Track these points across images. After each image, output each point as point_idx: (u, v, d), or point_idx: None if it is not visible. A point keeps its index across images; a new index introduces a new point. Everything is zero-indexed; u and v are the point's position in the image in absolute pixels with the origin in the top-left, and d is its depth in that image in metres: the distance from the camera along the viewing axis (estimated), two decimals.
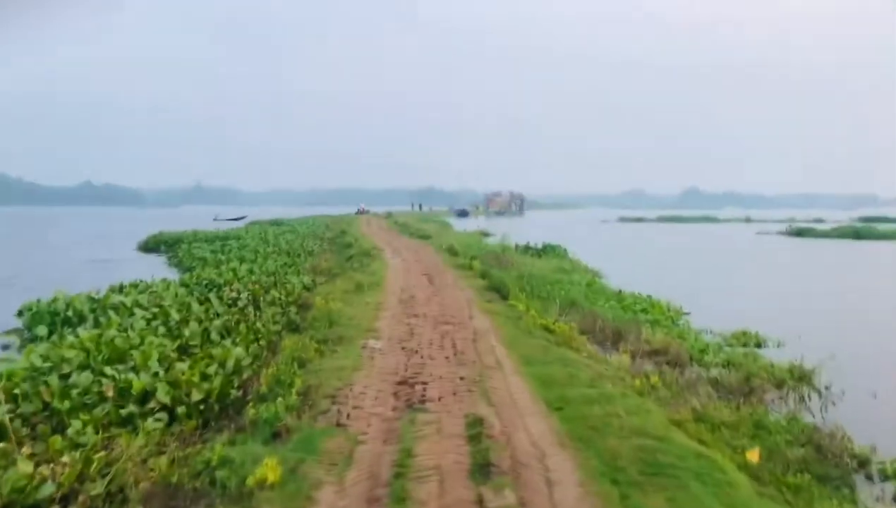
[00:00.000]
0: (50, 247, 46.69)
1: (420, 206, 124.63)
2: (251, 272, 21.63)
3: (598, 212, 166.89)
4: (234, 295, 16.41)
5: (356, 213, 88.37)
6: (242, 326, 13.18)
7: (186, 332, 12.17)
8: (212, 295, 16.30)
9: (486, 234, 55.91)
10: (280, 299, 16.87)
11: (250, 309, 15.42)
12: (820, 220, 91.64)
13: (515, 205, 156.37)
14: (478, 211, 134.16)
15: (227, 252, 31.19)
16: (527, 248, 34.77)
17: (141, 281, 18.55)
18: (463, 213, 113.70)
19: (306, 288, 20.32)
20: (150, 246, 42.43)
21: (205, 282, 19.12)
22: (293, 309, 16.04)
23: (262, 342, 12.47)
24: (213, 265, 27.18)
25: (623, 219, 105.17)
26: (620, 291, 21.17)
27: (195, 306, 14.37)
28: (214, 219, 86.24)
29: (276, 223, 65.04)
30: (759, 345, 14.83)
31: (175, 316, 13.52)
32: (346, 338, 11.04)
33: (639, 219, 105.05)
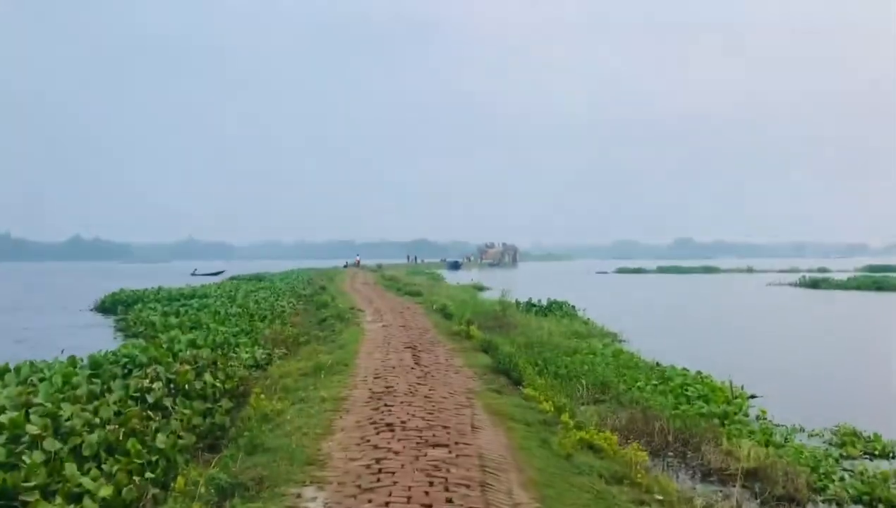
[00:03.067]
0: None
1: (416, 259, 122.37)
2: (193, 344, 17.16)
3: (591, 263, 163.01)
4: (146, 383, 11.93)
5: (344, 266, 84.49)
6: (131, 443, 8.75)
7: (27, 460, 7.75)
8: (115, 385, 11.83)
9: (480, 288, 51.73)
10: (213, 387, 12.47)
11: (166, 402, 11.02)
12: (825, 270, 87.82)
13: (509, 256, 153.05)
14: (470, 263, 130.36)
15: (181, 314, 26.73)
16: (530, 306, 30.46)
17: (29, 362, 14.02)
18: (455, 265, 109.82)
19: (258, 365, 15.93)
20: (107, 306, 37.91)
21: (124, 361, 14.63)
22: (225, 403, 11.61)
23: (152, 473, 8.13)
24: (161, 330, 22.84)
25: (622, 270, 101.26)
26: (658, 364, 16.81)
27: (69, 409, 9.86)
28: (192, 274, 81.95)
29: (257, 278, 60.98)
30: (884, 452, 10.45)
31: (34, 427, 9.07)
32: (269, 481, 6.63)
33: (638, 270, 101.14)
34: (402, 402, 9.85)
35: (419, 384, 11.36)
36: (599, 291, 53.88)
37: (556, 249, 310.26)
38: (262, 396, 10.68)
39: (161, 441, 9.08)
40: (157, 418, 10.16)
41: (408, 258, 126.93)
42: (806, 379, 17.34)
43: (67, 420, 9.43)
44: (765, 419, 12.25)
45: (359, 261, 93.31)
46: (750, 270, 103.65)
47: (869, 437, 10.86)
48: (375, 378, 11.89)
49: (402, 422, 8.67)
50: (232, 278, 64.22)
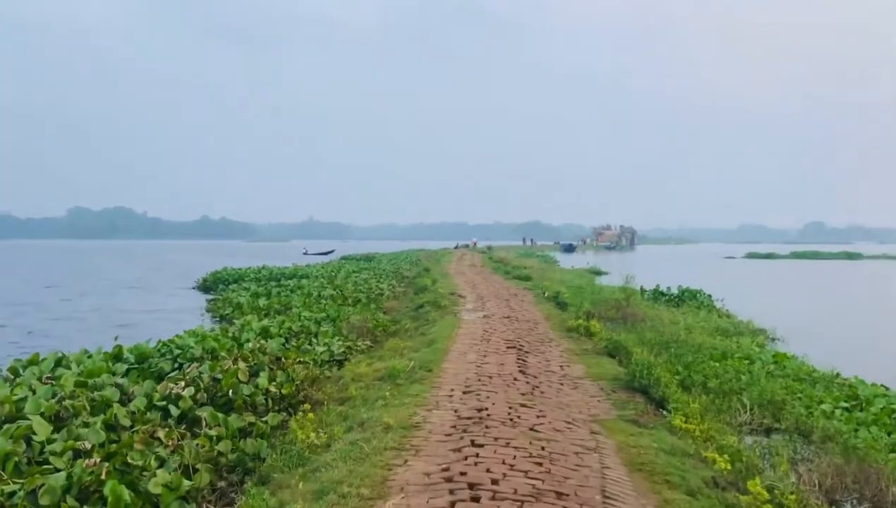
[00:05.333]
0: (103, 283, 42.25)
1: (532, 241, 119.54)
2: (265, 332, 14.79)
3: (714, 247, 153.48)
4: (178, 387, 9.44)
5: (455, 247, 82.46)
6: (111, 487, 6.15)
7: None
8: (142, 388, 9.42)
9: (597, 272, 47.81)
10: (267, 393, 9.90)
11: (200, 414, 8.49)
12: None
13: (626, 239, 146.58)
14: (585, 245, 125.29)
15: (272, 296, 24.75)
16: (658, 294, 26.56)
17: (59, 353, 11.89)
18: (569, 248, 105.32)
19: (334, 359, 13.31)
20: (209, 284, 36.93)
21: (176, 353, 12.33)
22: (272, 419, 8.92)
23: None
24: (248, 312, 20.86)
25: (751, 255, 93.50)
26: (838, 376, 12.92)
27: (43, 430, 7.37)
28: (304, 253, 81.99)
29: (367, 258, 59.58)
30: None
31: None
32: None
33: (770, 256, 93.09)
34: (497, 439, 6.77)
35: (524, 405, 8.25)
36: (732, 278, 48.67)
37: (677, 232, 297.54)
38: (311, 417, 7.90)
39: (156, 484, 6.45)
40: (173, 440, 7.58)
41: (523, 240, 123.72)
42: None
43: (41, 445, 7.01)
44: None
45: (475, 243, 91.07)
46: None
47: None
48: (465, 392, 8.87)
49: (494, 481, 5.61)
50: (342, 258, 63.24)
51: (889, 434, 9.15)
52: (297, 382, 10.68)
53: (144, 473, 6.70)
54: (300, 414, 8.16)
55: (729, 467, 6.36)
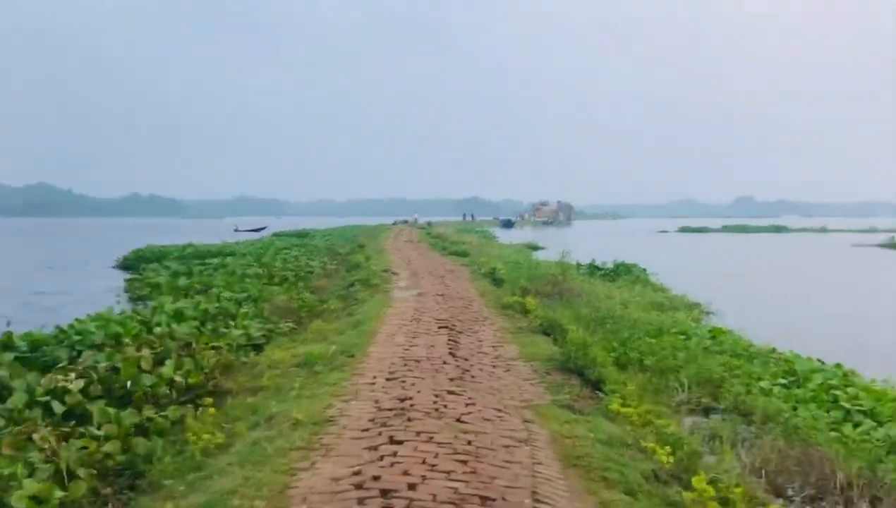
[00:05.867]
0: (14, 263, 39.91)
1: (473, 216, 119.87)
2: (179, 314, 13.74)
3: (648, 222, 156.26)
4: (67, 378, 8.43)
5: (393, 223, 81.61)
6: None
7: None
8: (23, 382, 8.39)
9: (534, 247, 47.64)
10: (172, 384, 8.98)
11: (91, 410, 7.54)
12: None
13: (563, 214, 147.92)
14: (524, 221, 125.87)
15: (193, 275, 23.49)
16: (594, 269, 26.34)
17: None
18: (508, 224, 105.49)
19: (252, 344, 12.39)
20: (130, 263, 35.14)
21: (75, 339, 11.23)
22: (172, 412, 7.99)
23: None
24: (166, 292, 19.67)
25: (684, 229, 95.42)
26: (774, 351, 12.69)
27: None
28: (235, 231, 79.76)
29: (301, 235, 58.17)
30: None
31: None
32: None
33: (702, 229, 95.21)
34: (419, 434, 6.08)
35: (452, 392, 7.58)
36: (665, 252, 49.17)
37: (612, 208, 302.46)
38: (212, 412, 7.08)
39: (20, 497, 5.54)
40: (50, 442, 6.65)
41: (464, 216, 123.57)
42: None
43: None
44: None
45: (417, 219, 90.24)
46: (823, 230, 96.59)
47: None
48: (389, 380, 8.15)
49: (411, 486, 4.91)
50: (275, 235, 61.56)
51: (828, 412, 8.83)
52: (207, 370, 9.79)
53: (12, 483, 5.79)
54: (201, 408, 7.32)
55: (671, 460, 5.81)
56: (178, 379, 9.19)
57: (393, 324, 11.82)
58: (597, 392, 8.41)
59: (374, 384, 7.98)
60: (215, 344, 11.40)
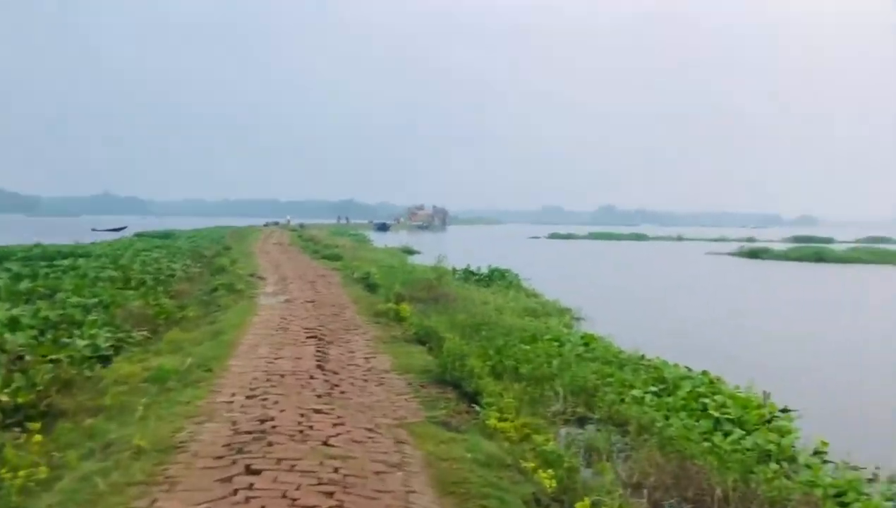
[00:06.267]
0: None
1: (347, 219, 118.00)
2: (14, 323, 12.24)
3: (520, 228, 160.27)
4: None
5: (265, 225, 79.21)
6: None
7: None
8: None
9: (410, 252, 47.47)
10: None
11: None
12: (752, 239, 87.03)
13: (438, 219, 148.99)
14: (399, 225, 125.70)
15: (38, 278, 21.37)
16: (468, 274, 26.29)
17: None
18: (383, 227, 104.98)
19: (99, 355, 11.15)
20: None
21: None
22: None
23: None
24: (5, 298, 17.67)
25: (554, 236, 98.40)
26: (643, 357, 12.88)
27: None
28: (93, 230, 74.66)
29: (165, 236, 55.08)
30: None
31: None
32: None
33: (570, 236, 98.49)
34: (280, 462, 5.44)
35: (319, 411, 6.97)
36: (536, 257, 50.27)
37: (486, 213, 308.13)
38: (37, 440, 6.14)
39: None
40: None
41: (338, 218, 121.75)
42: (823, 376, 13.74)
43: None
44: (822, 453, 8.42)
45: (290, 221, 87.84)
46: (679, 238, 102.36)
47: None
48: (249, 397, 7.42)
49: None
50: (137, 235, 58.00)
51: (699, 421, 8.92)
52: (40, 387, 8.63)
53: None
54: (26, 434, 6.34)
55: (552, 484, 5.49)
56: (4, 398, 8.03)
57: (257, 334, 11.02)
58: (473, 405, 8.05)
59: (232, 402, 7.24)
60: (55, 356, 10.17)
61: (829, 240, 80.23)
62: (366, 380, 8.50)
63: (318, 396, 7.56)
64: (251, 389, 7.71)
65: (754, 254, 56.86)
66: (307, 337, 10.85)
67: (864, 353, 16.61)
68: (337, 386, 8.10)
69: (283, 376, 8.35)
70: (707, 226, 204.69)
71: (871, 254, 53.18)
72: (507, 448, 6.43)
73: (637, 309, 23.46)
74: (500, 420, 7.45)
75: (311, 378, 8.38)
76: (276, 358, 9.32)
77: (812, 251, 54.83)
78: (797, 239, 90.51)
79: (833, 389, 12.96)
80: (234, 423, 6.49)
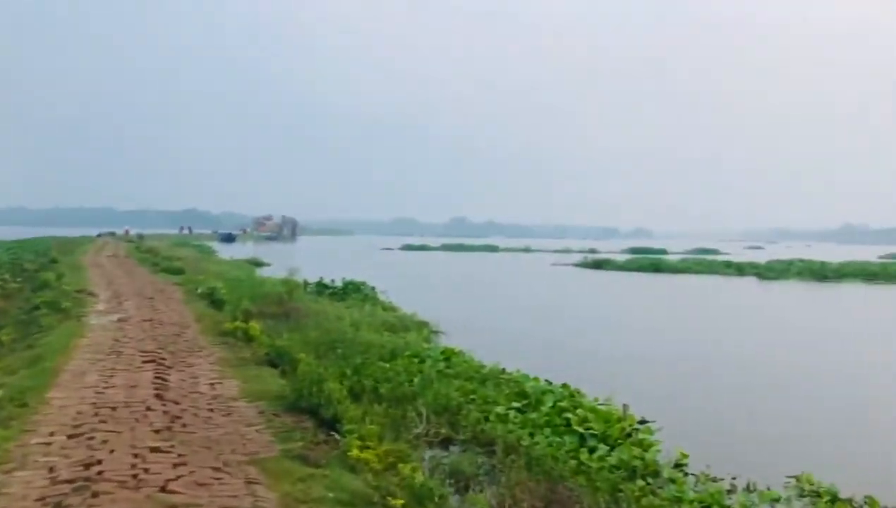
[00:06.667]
0: None
1: (190, 230, 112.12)
2: None
3: (372, 239, 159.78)
4: None
5: (98, 236, 73.71)
6: None
7: None
8: None
9: (258, 263, 45.75)
10: None
11: None
12: (594, 251, 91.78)
13: (288, 229, 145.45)
14: (246, 235, 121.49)
15: None
16: (322, 287, 25.42)
17: None
18: (229, 238, 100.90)
19: None
20: None
21: None
22: None
23: None
24: None
25: (407, 247, 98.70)
26: (504, 371, 12.74)
27: None
28: None
29: None
30: None
31: None
32: None
33: (423, 247, 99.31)
34: None
35: (157, 449, 6.11)
36: (391, 269, 49.97)
37: (336, 224, 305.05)
38: None
39: None
40: None
41: (181, 229, 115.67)
42: (677, 389, 14.19)
43: None
44: (683, 465, 8.53)
45: (128, 232, 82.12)
46: (528, 249, 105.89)
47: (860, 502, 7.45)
48: (72, 436, 6.42)
49: None
50: None
51: (563, 437, 8.78)
52: None
53: None
54: None
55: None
56: None
57: (84, 359, 9.78)
58: (333, 433, 7.43)
59: (50, 444, 6.22)
60: None
61: (664, 252, 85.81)
62: (211, 410, 7.65)
63: (156, 431, 6.67)
64: (75, 426, 6.68)
65: (598, 265, 59.68)
66: (144, 362, 9.76)
67: (704, 359, 17.46)
68: (178, 418, 7.22)
69: (114, 408, 7.35)
70: (552, 239, 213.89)
71: (700, 264, 57.28)
72: (371, 482, 5.89)
73: (494, 320, 23.60)
74: (363, 448, 6.90)
75: (148, 409, 7.43)
76: (106, 387, 8.24)
77: (649, 262, 58.29)
78: (634, 250, 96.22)
79: (680, 395, 13.44)
80: (51, 470, 5.52)
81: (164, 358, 10.05)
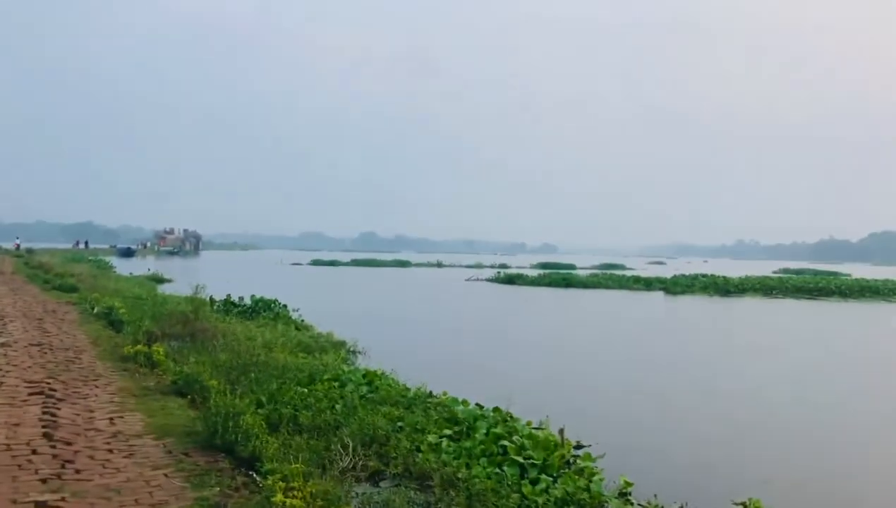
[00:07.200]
0: None
1: (87, 244, 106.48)
2: None
3: (279, 253, 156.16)
4: None
5: None
6: None
7: None
8: None
9: (160, 280, 43.55)
10: None
11: None
12: (505, 266, 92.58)
13: (190, 243, 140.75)
14: (146, 249, 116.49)
15: None
16: (230, 305, 24.12)
17: None
18: (128, 253, 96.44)
19: None
20: None
21: None
22: None
23: None
24: None
25: (316, 262, 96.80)
26: (431, 395, 12.12)
27: None
28: None
29: None
30: None
31: None
32: None
33: (333, 263, 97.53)
34: None
35: (44, 504, 5.17)
36: (301, 286, 48.58)
37: (241, 238, 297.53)
38: None
39: None
40: None
41: (77, 243, 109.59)
42: (606, 409, 13.91)
43: None
44: (627, 494, 8.13)
45: (18, 246, 76.89)
46: (439, 264, 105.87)
47: None
48: None
49: None
50: None
51: (501, 467, 8.22)
52: None
53: None
54: None
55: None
56: None
57: None
58: (251, 473, 6.63)
59: None
60: None
61: (573, 267, 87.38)
62: (111, 451, 6.68)
63: (43, 481, 5.69)
64: None
65: (510, 280, 60.00)
66: (30, 394, 8.60)
67: (631, 377, 17.37)
68: (70, 462, 6.23)
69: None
70: (461, 253, 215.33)
71: (610, 279, 58.41)
72: None
73: (412, 339, 22.97)
74: (287, 490, 6.15)
75: (34, 452, 6.40)
76: None
77: (560, 277, 58.99)
78: (544, 265, 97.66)
79: (612, 415, 13.15)
80: None
81: (54, 389, 8.90)
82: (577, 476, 8.06)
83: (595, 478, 8.09)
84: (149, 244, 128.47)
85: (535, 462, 8.31)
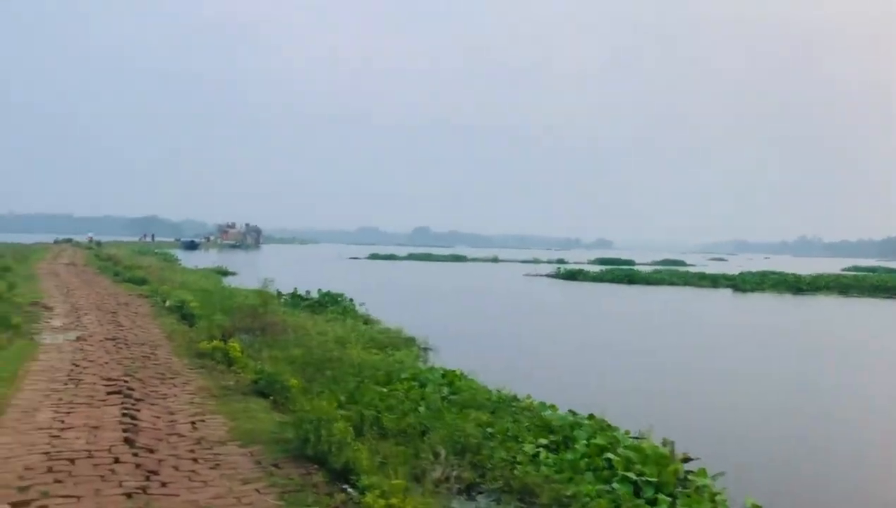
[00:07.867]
0: None
1: (153, 237, 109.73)
2: None
3: (337, 247, 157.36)
4: None
5: (54, 242, 71.00)
6: None
7: None
8: None
9: (224, 272, 43.87)
10: None
11: None
12: (562, 261, 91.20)
13: (251, 237, 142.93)
14: (209, 243, 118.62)
15: None
16: (297, 299, 23.86)
17: None
18: (192, 246, 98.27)
19: None
20: None
21: None
22: None
23: None
24: None
25: (374, 256, 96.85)
26: (516, 398, 11.39)
27: None
28: None
29: None
30: None
31: None
32: None
33: (390, 257, 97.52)
34: None
35: None
36: (362, 279, 48.36)
37: (299, 232, 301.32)
38: None
39: None
40: None
41: (143, 236, 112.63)
42: (709, 418, 12.92)
43: None
44: None
45: (91, 239, 79.16)
46: (496, 259, 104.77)
47: None
48: (18, 504, 4.91)
49: None
50: None
51: (610, 484, 7.46)
52: None
53: None
54: None
55: None
56: None
57: (37, 390, 8.20)
58: (345, 488, 6.04)
59: None
60: None
61: (632, 263, 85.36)
62: (195, 460, 6.18)
63: (128, 495, 5.19)
64: (21, 488, 5.17)
65: (571, 276, 58.75)
66: (108, 393, 8.21)
67: (728, 375, 16.31)
68: (155, 473, 5.73)
69: (73, 460, 5.84)
70: (513, 248, 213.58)
71: (675, 275, 56.64)
72: None
73: (481, 337, 22.22)
74: None
75: (117, 461, 5.93)
76: (63, 429, 6.72)
77: (623, 273, 57.52)
78: (603, 261, 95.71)
79: (717, 424, 12.21)
80: None
81: (132, 388, 8.50)
82: (697, 496, 7.26)
83: (718, 498, 7.27)
84: (212, 238, 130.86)
85: (648, 478, 7.51)
